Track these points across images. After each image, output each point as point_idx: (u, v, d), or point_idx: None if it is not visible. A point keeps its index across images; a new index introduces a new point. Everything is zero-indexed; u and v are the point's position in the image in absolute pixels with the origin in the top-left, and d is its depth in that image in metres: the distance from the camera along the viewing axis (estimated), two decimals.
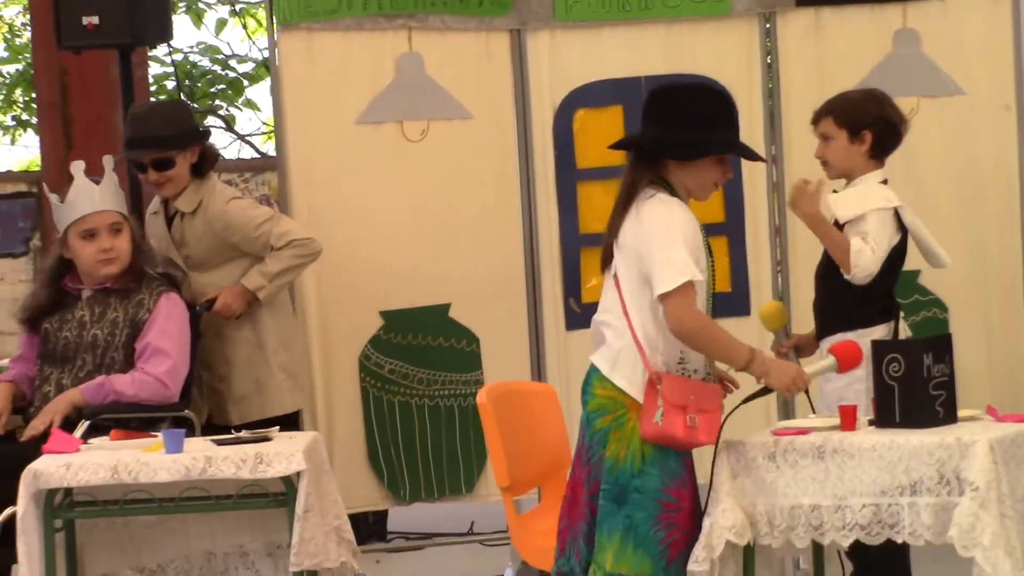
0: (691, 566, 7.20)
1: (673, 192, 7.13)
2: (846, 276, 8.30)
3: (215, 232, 9.23)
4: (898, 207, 8.65)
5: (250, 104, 23.32)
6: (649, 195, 7.11)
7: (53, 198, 8.75)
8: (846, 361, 7.44)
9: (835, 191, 8.66)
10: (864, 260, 8.34)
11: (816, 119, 8.89)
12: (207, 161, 9.37)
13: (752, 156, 7.55)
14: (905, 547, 8.26)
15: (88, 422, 8.10)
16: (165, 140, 9.14)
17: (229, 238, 9.25)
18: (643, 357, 7.09)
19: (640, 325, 7.12)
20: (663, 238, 7.04)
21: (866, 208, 8.70)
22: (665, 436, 7.05)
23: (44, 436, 7.91)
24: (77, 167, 8.65)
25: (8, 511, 7.67)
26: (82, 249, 8.62)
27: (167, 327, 8.50)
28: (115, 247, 8.53)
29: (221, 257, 9.26)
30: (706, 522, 7.26)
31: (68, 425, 8.05)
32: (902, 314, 8.79)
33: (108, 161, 8.77)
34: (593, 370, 7.24)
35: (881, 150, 8.59)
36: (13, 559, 7.71)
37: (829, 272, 8.56)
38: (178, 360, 8.53)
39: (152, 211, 9.61)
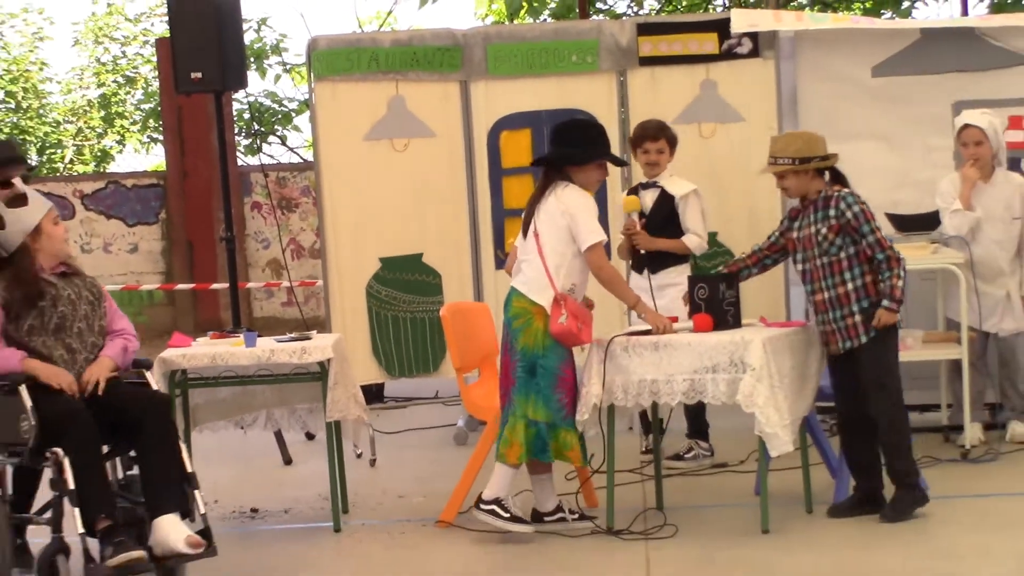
0: (578, 417, 7.25)
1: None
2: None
3: None
4: (696, 189, 8.77)
5: (296, 128, 23.18)
6: (564, 185, 7.29)
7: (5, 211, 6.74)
8: (700, 327, 7.45)
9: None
10: (700, 245, 8.99)
11: (655, 138, 8.86)
12: None
13: (617, 162, 7.73)
14: (702, 406, 8.53)
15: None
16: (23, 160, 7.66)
17: None
18: (551, 283, 7.20)
19: (552, 265, 7.21)
20: (584, 212, 7.24)
21: (689, 188, 8.93)
22: (566, 332, 7.17)
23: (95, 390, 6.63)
24: (19, 181, 7.30)
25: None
26: (50, 239, 6.70)
27: None
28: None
29: None
30: (583, 391, 7.35)
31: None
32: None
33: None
34: (513, 291, 7.34)
35: None
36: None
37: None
38: None
39: None
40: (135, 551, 6.25)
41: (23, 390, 6.40)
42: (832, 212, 7.28)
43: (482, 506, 7.30)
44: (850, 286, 7.33)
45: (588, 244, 7.19)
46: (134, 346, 6.92)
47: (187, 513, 6.53)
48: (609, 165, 7.52)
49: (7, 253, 6.67)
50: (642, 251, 8.59)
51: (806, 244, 7.40)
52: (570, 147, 7.36)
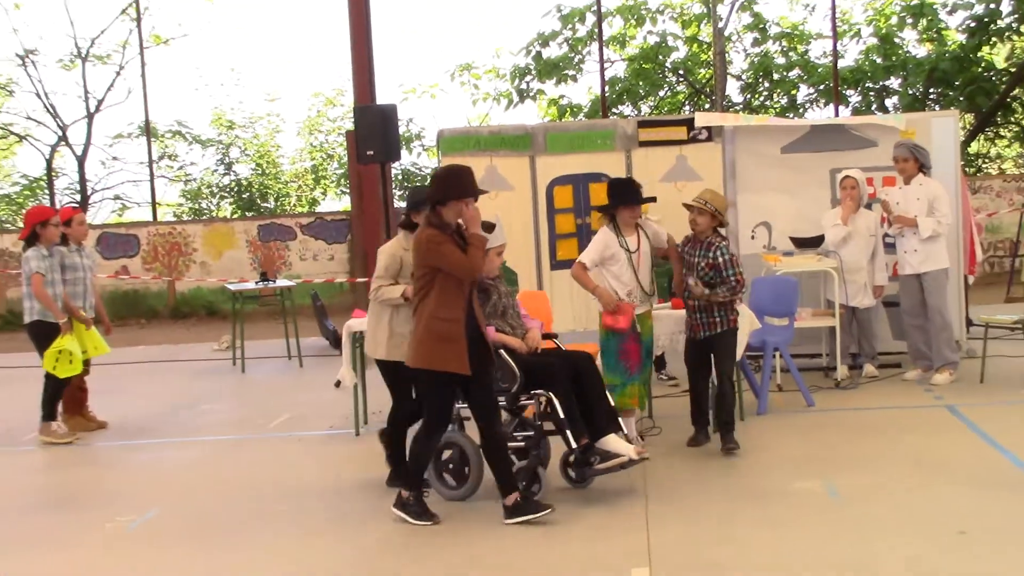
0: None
1: (616, 223, 6.75)
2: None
3: None
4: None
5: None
6: (603, 225, 6.84)
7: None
8: (676, 306, 7.19)
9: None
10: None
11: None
12: None
13: (642, 201, 6.85)
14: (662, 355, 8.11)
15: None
16: None
17: None
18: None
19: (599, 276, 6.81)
20: (593, 244, 6.78)
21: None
22: (609, 326, 6.69)
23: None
24: (497, 218, 6.74)
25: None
26: (495, 260, 6.27)
27: None
28: None
29: None
30: None
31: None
32: None
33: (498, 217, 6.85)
34: None
35: None
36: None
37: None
38: None
39: None
40: (621, 457, 5.70)
41: (503, 352, 5.91)
42: (711, 253, 6.81)
43: None
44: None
45: (577, 259, 6.78)
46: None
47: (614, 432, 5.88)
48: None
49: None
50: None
51: (689, 267, 6.91)
52: (612, 197, 6.76)
